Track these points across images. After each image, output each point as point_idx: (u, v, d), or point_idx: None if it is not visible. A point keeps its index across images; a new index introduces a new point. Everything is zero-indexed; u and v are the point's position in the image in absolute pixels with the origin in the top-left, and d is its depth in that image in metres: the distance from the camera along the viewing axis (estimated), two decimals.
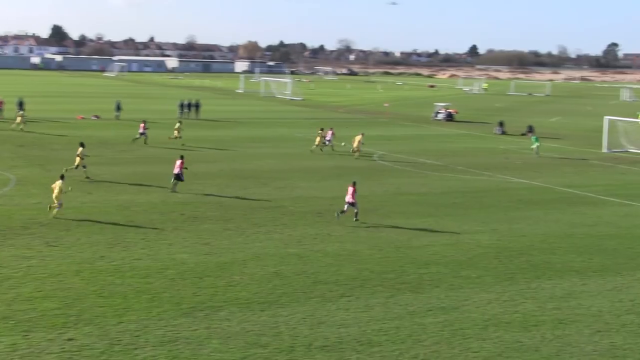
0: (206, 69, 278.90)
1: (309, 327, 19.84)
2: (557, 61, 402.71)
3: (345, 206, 32.23)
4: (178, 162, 37.98)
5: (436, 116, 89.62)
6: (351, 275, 24.47)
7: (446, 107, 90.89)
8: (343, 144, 56.17)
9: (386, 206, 35.90)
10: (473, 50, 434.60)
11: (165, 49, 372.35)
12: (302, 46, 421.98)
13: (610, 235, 31.30)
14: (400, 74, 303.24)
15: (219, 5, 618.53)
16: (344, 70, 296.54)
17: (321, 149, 55.04)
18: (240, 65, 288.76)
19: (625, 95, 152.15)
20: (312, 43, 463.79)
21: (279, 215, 33.09)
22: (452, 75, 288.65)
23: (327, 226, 31.30)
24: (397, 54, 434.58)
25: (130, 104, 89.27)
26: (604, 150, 61.30)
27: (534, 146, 57.38)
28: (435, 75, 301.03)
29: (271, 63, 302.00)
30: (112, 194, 36.56)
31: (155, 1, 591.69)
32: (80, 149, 40.61)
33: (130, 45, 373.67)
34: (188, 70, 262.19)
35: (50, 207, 31.37)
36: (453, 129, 77.25)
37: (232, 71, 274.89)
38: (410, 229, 31.33)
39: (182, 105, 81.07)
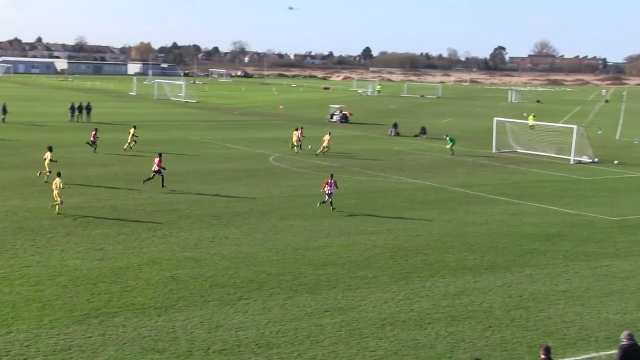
0: (97, 70, 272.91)
1: (207, 330, 19.70)
2: (448, 64, 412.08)
3: (326, 197, 35.49)
4: (156, 160, 39.96)
5: (331, 118, 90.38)
6: (248, 278, 24.43)
7: (341, 109, 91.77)
8: (310, 146, 58.49)
9: (283, 208, 35.99)
10: (366, 52, 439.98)
11: (54, 50, 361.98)
12: (196, 48, 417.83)
13: (500, 233, 32.28)
14: (294, 76, 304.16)
15: (110, 5, 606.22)
16: (239, 73, 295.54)
17: (300, 147, 58.08)
18: (133, 67, 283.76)
19: (512, 97, 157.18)
20: (206, 45, 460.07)
21: (175, 219, 32.72)
22: (346, 78, 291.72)
23: (223, 229, 31.15)
24: (292, 56, 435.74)
25: (18, 107, 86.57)
26: (494, 150, 63.15)
27: (449, 146, 59.46)
28: (329, 77, 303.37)
29: (165, 65, 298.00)
30: (0, 200, 35.41)
31: (43, 1, 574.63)
32: (48, 152, 40.70)
33: (16, 45, 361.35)
34: (78, 72, 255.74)
35: (51, 206, 32.85)
36: (348, 131, 78.08)
37: (124, 73, 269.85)
38: (307, 230, 31.51)
39: (72, 108, 79.11)
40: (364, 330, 20.20)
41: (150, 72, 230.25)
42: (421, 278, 25.20)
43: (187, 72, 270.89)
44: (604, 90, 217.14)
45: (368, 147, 63.96)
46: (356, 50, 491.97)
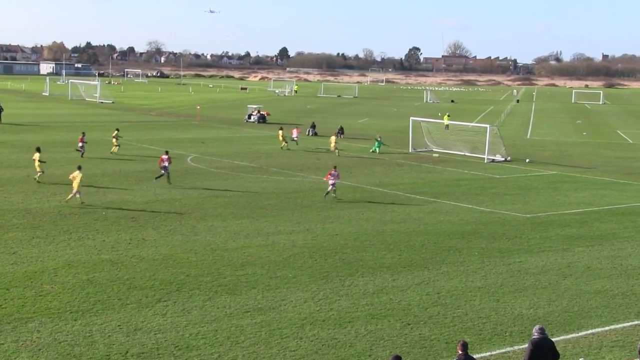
0: (7, 70, 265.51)
1: (125, 334, 19.39)
2: (364, 64, 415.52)
3: (329, 187, 39.24)
4: (164, 157, 42.07)
5: (249, 118, 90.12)
6: (167, 280, 24.15)
7: (259, 109, 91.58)
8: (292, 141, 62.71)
9: (202, 209, 35.70)
10: (283, 52, 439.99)
11: None
12: (111, 48, 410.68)
13: (417, 232, 32.71)
14: (211, 76, 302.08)
15: (20, 3, 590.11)
16: (155, 73, 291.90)
17: (288, 148, 61.61)
18: (46, 67, 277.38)
19: (428, 97, 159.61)
20: (120, 45, 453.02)
21: (91, 221, 32.10)
22: (263, 78, 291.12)
23: (141, 231, 30.71)
24: (209, 57, 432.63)
25: None
26: (410, 150, 63.96)
27: (375, 149, 61.85)
28: (246, 77, 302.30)
29: (79, 65, 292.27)
30: None
31: None
32: (37, 153, 41.83)
33: None
34: None
35: (71, 198, 35.18)
36: (266, 131, 77.94)
37: (37, 73, 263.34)
38: (226, 231, 31.34)
39: None
40: (284, 330, 20.19)
41: (63, 72, 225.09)
42: (340, 277, 25.33)
43: (102, 72, 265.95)
44: (515, 91, 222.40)
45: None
46: (273, 51, 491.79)
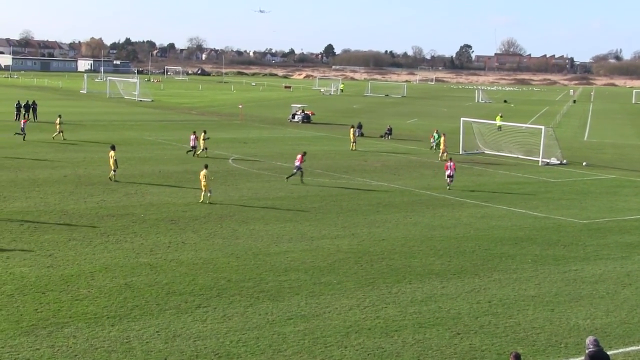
0: (45, 67, 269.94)
1: (164, 340, 19.55)
2: (413, 62, 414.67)
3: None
4: (298, 156, 44.72)
5: (293, 118, 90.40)
6: (207, 285, 24.30)
7: (303, 109, 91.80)
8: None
9: (243, 212, 35.88)
10: (329, 50, 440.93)
11: None
12: (151, 44, 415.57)
13: (468, 237, 32.51)
14: (254, 74, 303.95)
15: None
16: (196, 70, 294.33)
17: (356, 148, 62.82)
18: (83, 64, 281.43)
19: (479, 97, 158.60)
20: (161, 41, 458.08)
21: (129, 223, 32.45)
22: (307, 76, 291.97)
23: (180, 234, 30.96)
24: (251, 54, 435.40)
25: None
26: (461, 152, 63.59)
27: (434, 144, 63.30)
28: (290, 75, 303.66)
29: (117, 62, 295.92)
30: None
31: None
32: (112, 152, 43.08)
33: None
34: (24, 69, 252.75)
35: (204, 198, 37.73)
36: (310, 131, 78.12)
37: (74, 70, 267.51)
38: (268, 235, 31.45)
39: (19, 107, 78.11)
40: (328, 338, 20.19)
41: (101, 69, 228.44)
42: (387, 284, 25.27)
43: (141, 69, 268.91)
44: (571, 90, 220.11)
45: (331, 148, 64.04)
46: (318, 48, 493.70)
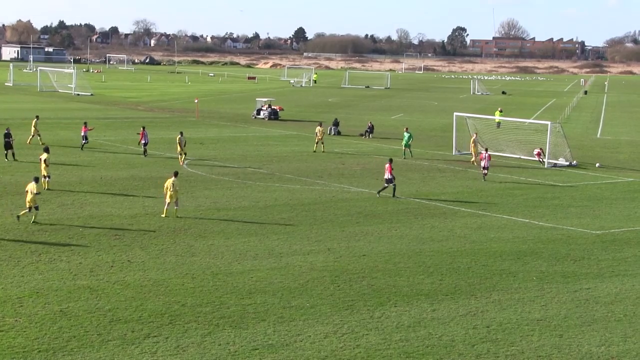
0: None
1: None
2: (398, 48, 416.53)
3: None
4: (387, 166, 43.95)
5: (258, 114, 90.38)
6: (158, 311, 24.26)
7: (269, 103, 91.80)
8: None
9: (200, 224, 35.85)
10: (299, 34, 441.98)
11: None
12: (89, 28, 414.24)
13: (462, 252, 32.66)
14: (212, 63, 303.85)
15: None
16: (143, 59, 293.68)
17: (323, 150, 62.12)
18: (9, 52, 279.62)
19: (475, 88, 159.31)
20: (101, 25, 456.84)
21: (65, 239, 32.32)
22: (275, 65, 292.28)
23: (126, 251, 30.88)
24: (208, 39, 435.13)
25: None
26: (454, 152, 63.81)
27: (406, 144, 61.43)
28: (255, 64, 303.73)
29: (50, 49, 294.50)
30: None
31: None
32: (45, 154, 43.28)
33: None
34: None
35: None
36: (278, 129, 78.15)
37: None
38: (230, 251, 31.44)
39: None
40: None
41: (30, 57, 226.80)
42: (368, 307, 25.34)
43: (78, 57, 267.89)
44: (582, 80, 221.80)
45: (303, 149, 64.10)
46: (287, 32, 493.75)
